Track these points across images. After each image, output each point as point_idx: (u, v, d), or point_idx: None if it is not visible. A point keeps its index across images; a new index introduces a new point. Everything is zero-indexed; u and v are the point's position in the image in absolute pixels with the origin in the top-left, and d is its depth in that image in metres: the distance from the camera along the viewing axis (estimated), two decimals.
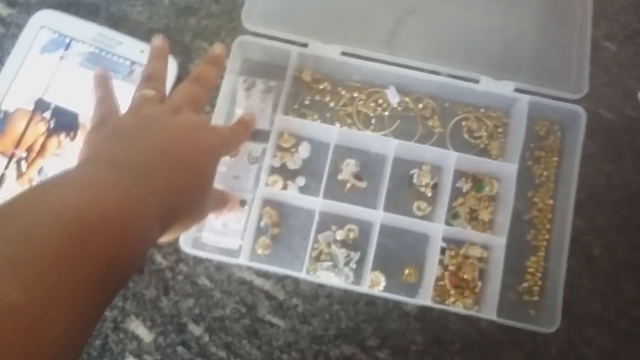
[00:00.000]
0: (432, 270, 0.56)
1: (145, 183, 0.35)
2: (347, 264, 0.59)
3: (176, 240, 0.57)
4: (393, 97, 0.61)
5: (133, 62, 0.60)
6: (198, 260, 0.59)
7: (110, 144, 0.39)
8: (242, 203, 0.59)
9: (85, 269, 0.27)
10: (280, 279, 0.58)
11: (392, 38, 0.62)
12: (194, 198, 0.41)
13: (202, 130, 0.43)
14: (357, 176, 0.61)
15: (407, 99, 0.63)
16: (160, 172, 0.37)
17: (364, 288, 0.56)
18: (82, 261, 0.27)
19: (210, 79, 0.49)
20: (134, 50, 0.60)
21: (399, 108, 0.63)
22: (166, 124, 0.41)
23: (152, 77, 0.47)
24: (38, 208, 0.28)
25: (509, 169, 0.57)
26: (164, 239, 0.41)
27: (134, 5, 0.65)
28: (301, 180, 0.61)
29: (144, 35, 0.63)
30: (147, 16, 0.65)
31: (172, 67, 0.60)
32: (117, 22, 0.64)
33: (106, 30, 0.61)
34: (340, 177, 0.61)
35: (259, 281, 0.58)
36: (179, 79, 0.62)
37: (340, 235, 0.59)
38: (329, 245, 0.59)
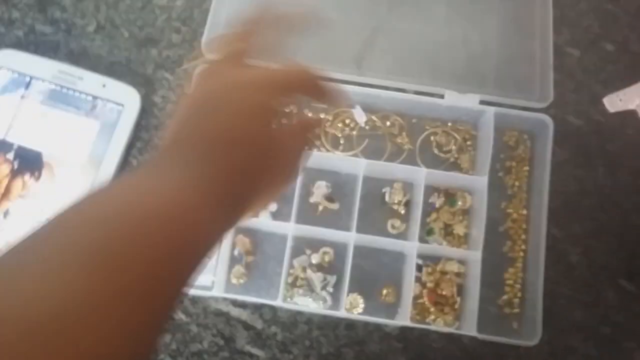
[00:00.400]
0: (409, 288, 0.55)
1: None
2: (324, 287, 0.58)
3: None
4: (359, 116, 0.60)
5: (95, 97, 0.60)
6: None
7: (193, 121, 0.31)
8: None
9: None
10: (258, 308, 0.58)
11: (362, 58, 0.61)
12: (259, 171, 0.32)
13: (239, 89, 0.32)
14: (329, 198, 0.60)
15: (374, 118, 0.63)
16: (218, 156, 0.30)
17: (342, 312, 0.55)
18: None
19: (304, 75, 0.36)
20: (96, 85, 0.60)
21: (367, 127, 0.63)
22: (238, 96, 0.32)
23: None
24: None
25: (479, 181, 0.57)
26: (249, 216, 0.34)
27: (94, 39, 0.65)
28: (273, 206, 0.60)
29: (105, 69, 0.63)
30: (108, 50, 0.64)
31: (134, 100, 0.60)
32: (78, 58, 0.64)
33: (66, 67, 0.60)
34: (312, 200, 0.60)
35: (235, 311, 0.57)
36: (142, 111, 0.61)
37: (315, 259, 0.59)
38: (304, 270, 0.59)
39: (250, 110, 0.31)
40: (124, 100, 0.60)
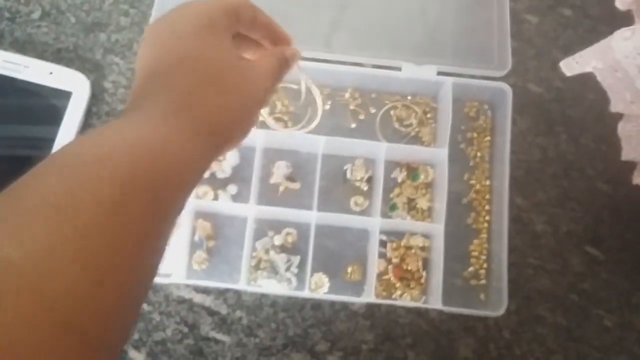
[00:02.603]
0: (374, 265, 0.55)
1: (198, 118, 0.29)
2: (288, 269, 0.58)
3: None
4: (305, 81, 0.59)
5: (42, 85, 0.59)
6: None
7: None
8: None
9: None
10: (221, 293, 0.58)
11: (323, 33, 0.61)
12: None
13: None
14: (290, 178, 0.59)
15: (332, 93, 0.63)
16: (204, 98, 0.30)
17: (307, 292, 0.54)
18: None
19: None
20: (42, 73, 0.59)
21: (327, 106, 0.62)
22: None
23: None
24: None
25: (439, 154, 0.57)
26: (232, 144, 0.34)
27: (39, 26, 0.63)
28: (233, 189, 0.59)
29: (52, 56, 0.62)
30: (54, 36, 0.63)
31: (84, 86, 0.59)
32: (24, 46, 0.63)
33: (11, 55, 0.59)
34: (272, 180, 0.59)
35: (198, 298, 0.56)
36: (93, 97, 0.60)
37: (278, 240, 0.58)
38: (267, 252, 0.59)
39: (197, 28, 0.31)
40: (72, 87, 0.59)
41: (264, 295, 0.57)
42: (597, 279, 0.59)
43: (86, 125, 0.60)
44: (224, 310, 0.57)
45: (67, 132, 0.58)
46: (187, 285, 0.57)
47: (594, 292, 0.59)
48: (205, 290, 0.57)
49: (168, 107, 0.28)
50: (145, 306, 0.56)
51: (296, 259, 0.58)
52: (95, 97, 0.60)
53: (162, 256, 0.27)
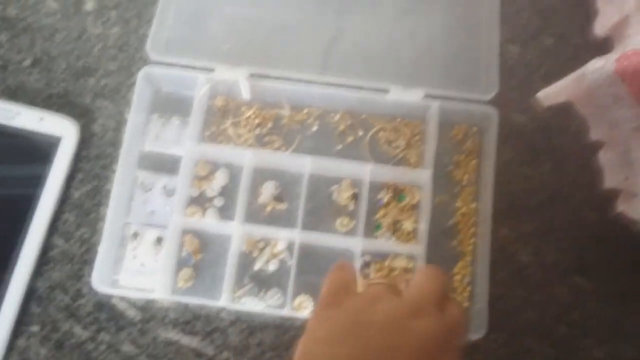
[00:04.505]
0: (359, 286, 0.53)
1: None
2: (273, 287, 0.58)
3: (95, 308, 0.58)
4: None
5: (33, 132, 0.61)
6: (120, 326, 0.58)
7: (341, 346, 0.35)
8: (158, 241, 0.57)
9: None
10: (208, 334, 0.58)
11: (314, 56, 0.64)
12: None
13: (447, 349, 0.36)
14: (277, 198, 0.59)
15: (322, 115, 0.64)
16: None
17: (287, 311, 0.56)
18: None
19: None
20: (33, 119, 0.61)
21: (315, 128, 0.64)
22: (407, 332, 0.36)
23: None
24: None
25: (424, 175, 0.58)
26: None
27: (30, 73, 0.66)
28: (221, 207, 0.61)
29: (43, 102, 0.65)
30: (45, 82, 0.66)
31: (72, 131, 0.61)
32: (15, 93, 0.65)
33: (2, 103, 0.62)
34: (260, 200, 0.60)
35: (186, 339, 0.58)
36: (82, 141, 0.62)
37: (264, 259, 0.57)
38: (252, 270, 0.59)
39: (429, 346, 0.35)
40: (62, 132, 0.61)
41: (251, 335, 0.57)
42: (585, 309, 0.59)
43: (76, 169, 0.62)
44: (210, 351, 0.57)
45: (56, 175, 0.60)
46: (175, 326, 0.57)
47: (583, 323, 0.59)
48: (192, 331, 0.58)
49: None
50: (132, 349, 0.57)
51: (282, 280, 0.58)
52: (85, 141, 0.63)
53: None
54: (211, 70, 0.61)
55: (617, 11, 0.56)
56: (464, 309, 0.40)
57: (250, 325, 0.58)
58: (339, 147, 0.63)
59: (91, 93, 0.65)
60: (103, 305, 0.58)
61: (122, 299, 0.58)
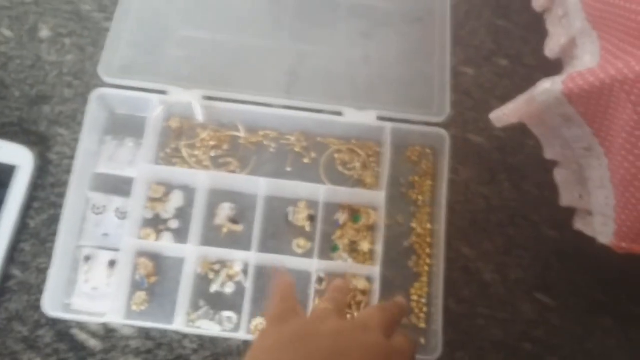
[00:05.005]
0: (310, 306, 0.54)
1: None
2: (227, 310, 0.56)
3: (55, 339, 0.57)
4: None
5: None
6: (81, 357, 0.57)
7: (287, 353, 0.37)
8: (111, 264, 0.56)
9: None
10: None
11: (268, 79, 0.64)
12: None
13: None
14: (233, 220, 0.59)
15: (278, 137, 0.65)
16: None
17: (243, 334, 0.53)
18: None
19: (402, 310, 0.46)
20: None
21: (271, 150, 0.64)
22: (352, 343, 0.37)
23: (338, 291, 0.45)
24: None
25: (378, 196, 0.58)
26: None
27: None
28: (176, 230, 0.59)
29: None
30: None
31: (27, 159, 0.61)
32: None
33: None
34: (216, 222, 0.59)
35: None
36: (38, 170, 0.62)
37: (218, 281, 0.57)
38: (208, 293, 0.58)
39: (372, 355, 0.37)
40: (17, 160, 0.61)
41: None
42: (549, 325, 0.60)
43: (32, 197, 0.61)
44: None
45: (12, 205, 0.59)
46: (137, 356, 0.56)
47: (547, 339, 0.59)
48: None
49: None
50: None
51: (237, 301, 0.57)
52: (41, 169, 0.62)
53: None
54: (165, 92, 0.61)
55: (564, 33, 0.57)
56: (412, 341, 0.40)
57: (214, 353, 0.57)
58: (295, 168, 0.63)
59: (46, 121, 0.65)
60: (63, 335, 0.57)
61: (82, 328, 0.57)
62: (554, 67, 0.64)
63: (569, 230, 0.60)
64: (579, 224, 0.58)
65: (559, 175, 0.60)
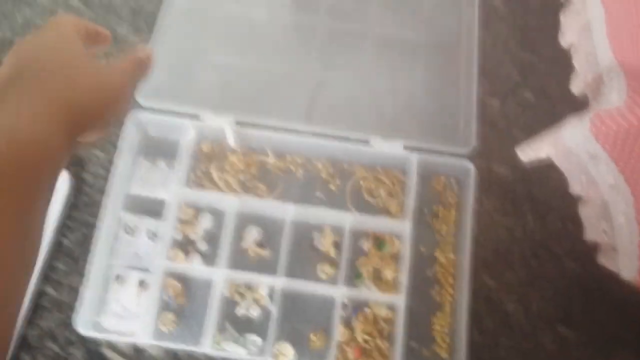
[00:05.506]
0: (338, 334, 0.57)
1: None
2: (253, 334, 0.58)
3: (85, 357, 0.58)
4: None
5: None
6: None
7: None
8: (141, 284, 0.57)
9: None
10: None
11: (298, 106, 0.65)
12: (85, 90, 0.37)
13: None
14: (260, 244, 0.61)
15: (305, 163, 0.66)
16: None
17: (267, 358, 0.55)
18: None
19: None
20: None
21: (298, 175, 0.65)
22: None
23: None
24: None
25: (404, 225, 0.58)
26: (87, 139, 0.39)
27: None
28: (204, 252, 0.60)
29: None
30: None
31: (64, 179, 0.63)
32: None
33: None
34: (243, 245, 0.60)
35: None
36: (74, 189, 0.64)
37: (245, 305, 0.57)
38: (234, 315, 0.60)
39: (56, 42, 0.38)
40: None
41: None
42: (569, 357, 0.60)
43: (67, 216, 0.63)
44: None
45: (48, 223, 0.59)
46: None
47: None
48: None
49: (32, 99, 0.34)
50: None
51: (262, 325, 0.59)
52: (76, 189, 0.64)
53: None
54: (198, 116, 0.63)
55: (591, 70, 0.58)
56: (131, 73, 0.41)
57: None
58: (321, 194, 0.65)
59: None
60: (92, 353, 0.58)
61: (112, 347, 0.58)
62: (578, 101, 0.65)
63: (592, 263, 0.60)
64: (603, 259, 0.59)
65: (584, 210, 0.60)
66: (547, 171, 0.66)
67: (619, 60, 0.54)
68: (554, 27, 0.71)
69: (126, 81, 0.40)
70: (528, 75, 0.71)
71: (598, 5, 0.55)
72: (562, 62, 0.67)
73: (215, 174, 0.65)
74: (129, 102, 0.40)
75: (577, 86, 0.61)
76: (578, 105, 0.59)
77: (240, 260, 0.62)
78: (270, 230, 0.63)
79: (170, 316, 0.59)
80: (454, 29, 0.68)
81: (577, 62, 0.62)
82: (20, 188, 0.30)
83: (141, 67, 0.43)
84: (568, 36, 0.64)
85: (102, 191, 0.63)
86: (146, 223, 0.62)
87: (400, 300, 0.57)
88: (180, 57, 0.67)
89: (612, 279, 0.56)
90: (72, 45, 0.38)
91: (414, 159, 0.62)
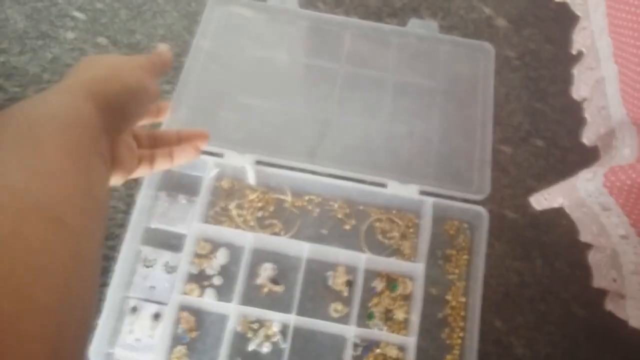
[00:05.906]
0: None
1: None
2: None
3: None
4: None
5: None
6: None
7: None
8: (155, 316, 0.58)
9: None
10: None
11: (317, 148, 0.66)
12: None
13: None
14: (274, 280, 0.62)
15: (322, 202, 0.68)
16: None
17: None
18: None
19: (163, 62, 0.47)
20: None
21: (314, 214, 0.67)
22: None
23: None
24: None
25: (417, 268, 0.60)
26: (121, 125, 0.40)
27: None
28: (218, 286, 0.61)
29: None
30: None
31: None
32: None
33: None
34: (258, 281, 0.61)
35: None
36: None
37: (257, 341, 0.58)
38: (245, 352, 0.59)
39: (122, 65, 0.40)
40: None
41: None
42: None
43: None
44: None
45: None
46: None
47: None
48: None
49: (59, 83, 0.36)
50: None
51: None
52: None
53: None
54: (219, 154, 0.65)
55: (603, 124, 0.60)
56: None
57: None
58: (335, 234, 0.66)
59: None
60: None
61: None
62: (588, 151, 0.67)
63: (599, 309, 0.61)
64: (611, 306, 0.60)
65: (594, 258, 0.61)
66: (557, 217, 0.67)
67: (632, 117, 0.55)
68: (565, 78, 0.73)
69: (143, 63, 0.42)
70: (539, 125, 0.73)
71: (611, 62, 0.57)
72: (572, 112, 0.69)
73: (234, 211, 0.66)
74: (147, 91, 0.40)
75: (588, 137, 0.63)
76: (588, 155, 0.61)
77: (254, 296, 0.62)
78: (284, 267, 0.64)
79: (182, 349, 0.60)
80: (470, 78, 0.70)
81: (589, 114, 0.64)
82: (68, 143, 0.30)
83: (160, 58, 0.45)
84: (581, 90, 0.66)
85: (120, 225, 0.64)
86: (164, 256, 0.63)
87: (411, 341, 0.58)
88: (205, 97, 0.69)
89: (619, 326, 0.57)
90: (133, 73, 0.40)
91: (429, 203, 0.63)
